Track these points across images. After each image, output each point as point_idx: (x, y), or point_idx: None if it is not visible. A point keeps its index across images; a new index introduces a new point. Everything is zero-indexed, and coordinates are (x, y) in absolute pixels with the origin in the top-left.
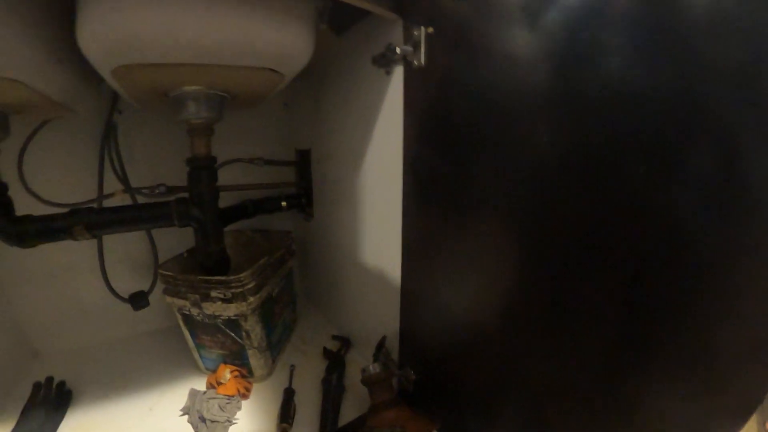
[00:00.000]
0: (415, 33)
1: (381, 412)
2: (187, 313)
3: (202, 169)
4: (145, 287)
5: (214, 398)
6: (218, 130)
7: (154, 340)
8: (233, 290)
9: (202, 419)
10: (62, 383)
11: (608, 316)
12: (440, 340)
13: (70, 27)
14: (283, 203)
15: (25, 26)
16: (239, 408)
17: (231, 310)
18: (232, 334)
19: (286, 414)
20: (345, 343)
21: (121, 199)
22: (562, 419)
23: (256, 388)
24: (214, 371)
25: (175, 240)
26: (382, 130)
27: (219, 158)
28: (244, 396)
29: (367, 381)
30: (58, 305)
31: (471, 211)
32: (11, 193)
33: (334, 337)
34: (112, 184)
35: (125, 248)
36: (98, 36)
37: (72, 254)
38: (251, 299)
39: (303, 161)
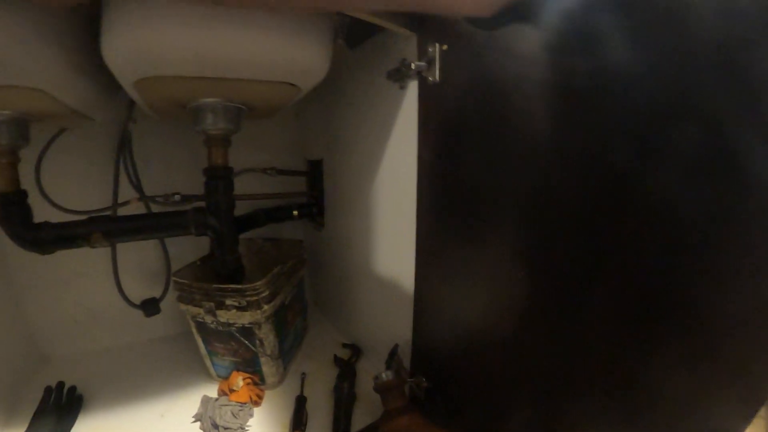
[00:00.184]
0: (430, 49)
1: (394, 418)
2: (201, 320)
3: (219, 179)
4: (156, 294)
5: (226, 405)
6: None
7: (164, 347)
8: (248, 298)
9: (215, 426)
10: (73, 388)
11: (614, 319)
12: (453, 347)
13: (94, 39)
14: (295, 212)
15: (52, 39)
16: (251, 415)
17: (245, 318)
18: (246, 342)
19: (299, 421)
20: (355, 351)
21: (135, 207)
22: (575, 425)
23: (268, 396)
24: (226, 378)
25: (186, 248)
26: (396, 143)
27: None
28: (256, 403)
29: (380, 388)
30: (70, 310)
31: (483, 220)
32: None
33: (345, 346)
34: (126, 192)
35: (137, 256)
36: (123, 49)
37: (84, 261)
38: (266, 307)
39: (314, 171)
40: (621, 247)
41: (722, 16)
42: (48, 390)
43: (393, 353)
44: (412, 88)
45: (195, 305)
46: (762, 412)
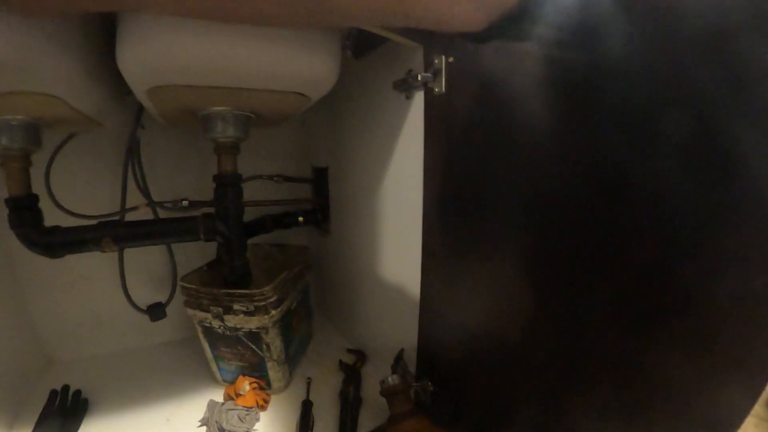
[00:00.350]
0: (436, 61)
1: (400, 422)
2: (208, 325)
3: (229, 186)
4: (161, 299)
5: (233, 409)
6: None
7: (169, 351)
8: (256, 303)
9: (222, 430)
10: (78, 392)
11: (615, 316)
12: (458, 351)
13: (108, 46)
14: (300, 219)
15: (68, 46)
16: (258, 419)
17: (253, 323)
18: (253, 347)
19: (305, 426)
20: (360, 356)
21: (143, 213)
22: (579, 423)
23: (274, 400)
24: (232, 383)
25: (192, 253)
26: (402, 151)
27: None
28: (263, 408)
29: (387, 392)
30: (76, 314)
31: (488, 226)
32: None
33: (349, 351)
34: (134, 197)
35: (143, 260)
36: (138, 58)
37: (90, 265)
38: (273, 312)
39: (319, 178)
40: (619, 245)
41: (713, 5)
42: (53, 393)
43: (399, 357)
44: (418, 99)
45: (202, 310)
46: (765, 414)
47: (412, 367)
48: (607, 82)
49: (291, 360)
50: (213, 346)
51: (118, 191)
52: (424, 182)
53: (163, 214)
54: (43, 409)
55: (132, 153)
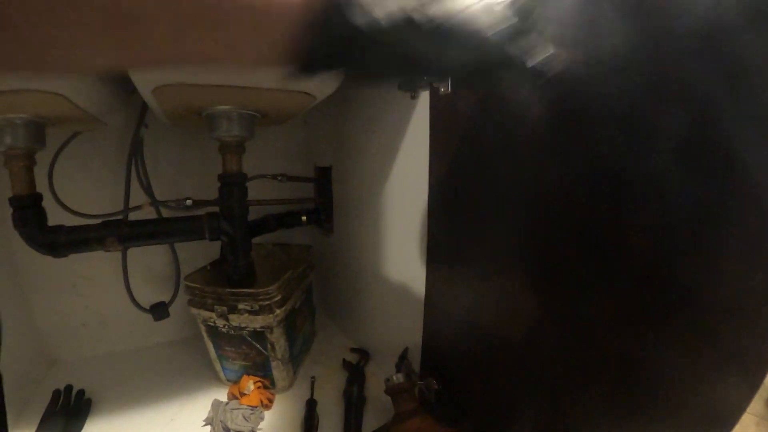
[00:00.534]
0: None
1: (405, 421)
2: (212, 324)
3: (234, 185)
4: (164, 298)
5: (237, 409)
6: None
7: (173, 351)
8: (261, 302)
9: (226, 429)
10: (81, 392)
11: (617, 314)
12: (462, 350)
13: None
14: (304, 218)
15: None
16: (262, 418)
17: (258, 322)
18: (258, 346)
19: (310, 424)
20: (364, 355)
21: (147, 212)
22: (582, 421)
23: (278, 399)
24: (236, 382)
25: (195, 253)
26: (407, 150)
27: None
28: (267, 407)
29: (391, 391)
30: (78, 314)
31: (493, 227)
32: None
33: (353, 350)
34: (138, 196)
35: (146, 260)
36: None
37: (93, 264)
38: (278, 311)
39: (323, 177)
40: (619, 244)
41: (701, 3)
42: (56, 393)
43: (403, 356)
44: (424, 98)
45: (207, 309)
46: (766, 413)
47: (416, 366)
48: (604, 79)
49: (295, 359)
50: (217, 346)
51: (121, 190)
52: (429, 181)
53: (166, 213)
54: (47, 409)
55: (135, 152)
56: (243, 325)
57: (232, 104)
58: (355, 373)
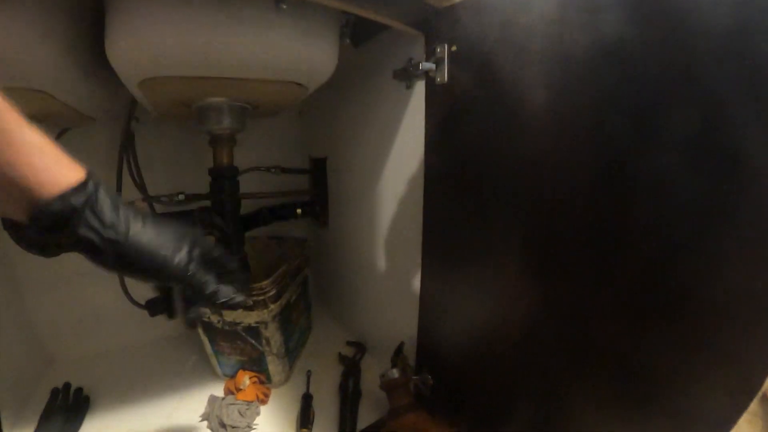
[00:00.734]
0: (438, 50)
1: (401, 416)
2: (207, 320)
3: (225, 178)
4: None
5: (233, 404)
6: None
7: (169, 347)
8: (255, 298)
9: (223, 425)
10: (80, 389)
11: (616, 314)
12: (458, 344)
13: (97, 38)
14: (298, 211)
15: (55, 39)
16: (258, 413)
17: (252, 318)
18: (252, 341)
19: (306, 419)
20: (360, 348)
21: (140, 208)
22: (579, 420)
23: (274, 394)
24: (232, 377)
25: None
26: (402, 141)
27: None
28: (263, 401)
29: (387, 386)
30: (74, 311)
31: (490, 220)
32: None
33: (349, 343)
34: (130, 191)
35: None
36: (128, 50)
37: (87, 261)
38: (272, 306)
39: (317, 169)
40: (621, 240)
41: (730, 4)
42: (54, 392)
43: (399, 351)
44: (419, 88)
45: None
46: (758, 410)
47: (411, 360)
48: (616, 74)
49: (291, 353)
50: (212, 341)
51: (113, 186)
52: (425, 173)
53: (159, 208)
54: (45, 407)
55: (126, 147)
56: (237, 321)
57: (221, 96)
58: (351, 367)
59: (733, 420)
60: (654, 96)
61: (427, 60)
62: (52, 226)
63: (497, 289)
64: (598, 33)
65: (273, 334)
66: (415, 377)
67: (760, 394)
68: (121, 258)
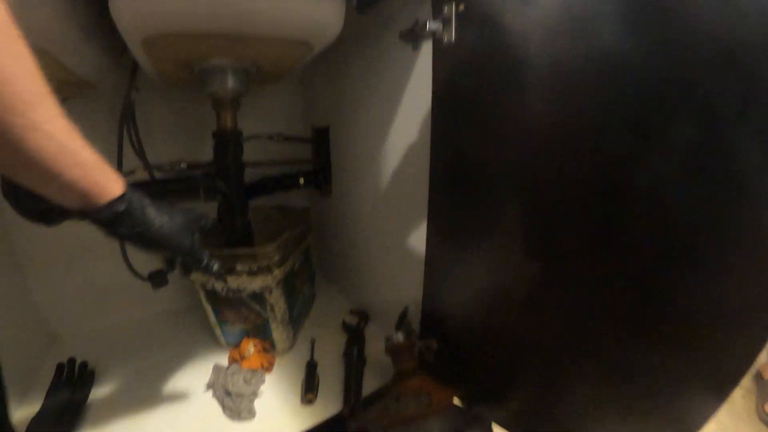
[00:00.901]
0: (445, 9)
1: (406, 379)
2: (211, 288)
3: (229, 142)
4: (162, 266)
5: (238, 372)
6: None
7: (172, 320)
8: (259, 263)
9: (228, 393)
10: (84, 363)
11: (617, 288)
12: (463, 310)
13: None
14: (301, 180)
15: (59, 2)
16: (263, 381)
17: (256, 284)
18: (257, 307)
19: (311, 385)
20: (363, 317)
21: (141, 177)
22: (579, 383)
23: (278, 362)
24: (236, 346)
25: None
26: (408, 104)
27: None
28: (267, 369)
29: (392, 350)
30: (77, 287)
31: (497, 185)
32: None
33: (352, 312)
34: (131, 161)
35: None
36: (131, 2)
37: (89, 236)
38: (276, 272)
39: (320, 139)
40: (619, 224)
41: (725, 15)
42: (60, 367)
43: (403, 316)
44: (426, 49)
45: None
46: (752, 386)
47: (415, 326)
48: (614, 80)
49: (295, 321)
50: (216, 310)
51: (113, 156)
52: (432, 137)
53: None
54: (51, 383)
55: (127, 116)
56: (241, 287)
57: (226, 56)
58: (355, 335)
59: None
60: (654, 105)
61: (434, 20)
62: (98, 224)
63: (502, 257)
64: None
65: (277, 301)
66: (419, 342)
67: (753, 370)
68: (147, 243)
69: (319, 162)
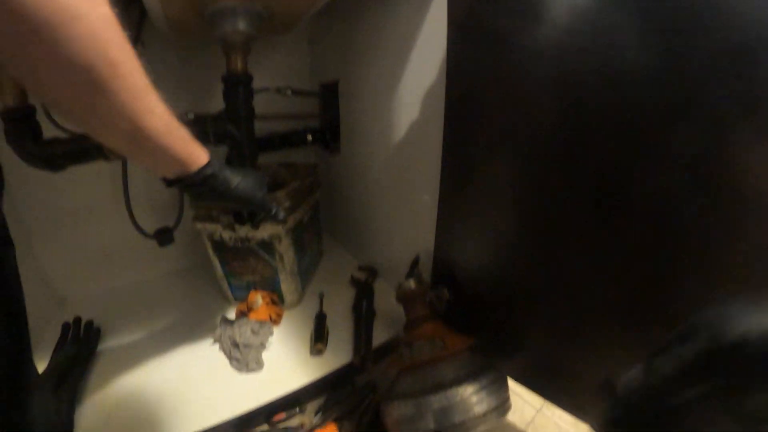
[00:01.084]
0: None
1: (418, 326)
2: (219, 239)
3: (239, 84)
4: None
5: (246, 324)
6: None
7: (178, 279)
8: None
9: (235, 344)
10: (90, 322)
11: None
12: (476, 260)
13: None
14: (309, 137)
15: None
16: (271, 333)
17: (266, 231)
18: (266, 257)
19: (320, 335)
20: (372, 273)
21: None
22: (593, 334)
23: (286, 315)
24: (243, 301)
25: None
26: (421, 51)
27: None
28: (275, 322)
29: (404, 296)
30: (82, 249)
31: (514, 133)
32: None
33: (360, 268)
34: None
35: (146, 189)
36: None
37: (93, 196)
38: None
39: (328, 94)
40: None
41: (727, 26)
42: (65, 326)
43: (414, 264)
44: None
45: (212, 221)
46: None
47: (427, 276)
48: (618, 89)
49: (303, 275)
50: (223, 262)
51: None
52: (447, 86)
53: None
54: (58, 342)
55: None
56: (250, 236)
57: None
58: (364, 289)
59: None
60: (659, 115)
61: None
62: (190, 186)
63: (520, 203)
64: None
65: (286, 250)
66: (430, 292)
67: None
68: (228, 199)
69: (327, 118)
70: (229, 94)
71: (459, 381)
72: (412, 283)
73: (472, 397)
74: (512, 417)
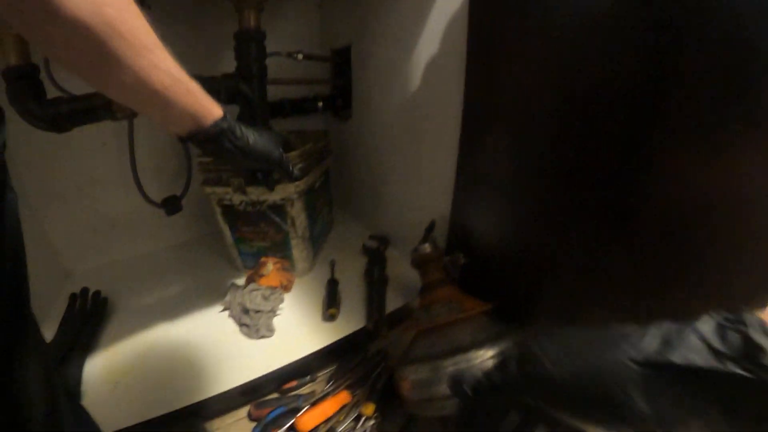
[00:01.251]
0: None
1: (435, 289)
2: (229, 203)
3: (252, 41)
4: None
5: (256, 290)
6: None
7: (187, 250)
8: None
9: (246, 311)
10: (98, 292)
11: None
12: (492, 226)
13: None
14: (320, 103)
15: None
16: (282, 300)
17: (278, 194)
18: (277, 220)
19: (333, 300)
20: (383, 241)
21: None
22: (607, 298)
23: (297, 283)
24: (253, 268)
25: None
26: (441, 7)
27: None
28: (287, 288)
29: (419, 260)
30: (88, 221)
31: (535, 97)
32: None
33: (372, 237)
34: None
35: (153, 157)
36: None
37: (99, 167)
38: (298, 182)
39: (340, 60)
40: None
41: None
42: (73, 297)
43: (430, 228)
44: None
45: (222, 185)
46: None
47: (442, 242)
48: None
49: (315, 241)
50: (233, 228)
51: None
52: (468, 38)
53: None
54: (65, 313)
55: None
56: (262, 199)
57: None
58: (376, 256)
59: None
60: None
61: None
62: (206, 140)
63: (540, 163)
64: None
65: (298, 214)
66: (446, 257)
67: None
68: (245, 155)
69: (338, 84)
70: (241, 51)
71: (478, 344)
72: (427, 247)
73: (491, 361)
74: None
